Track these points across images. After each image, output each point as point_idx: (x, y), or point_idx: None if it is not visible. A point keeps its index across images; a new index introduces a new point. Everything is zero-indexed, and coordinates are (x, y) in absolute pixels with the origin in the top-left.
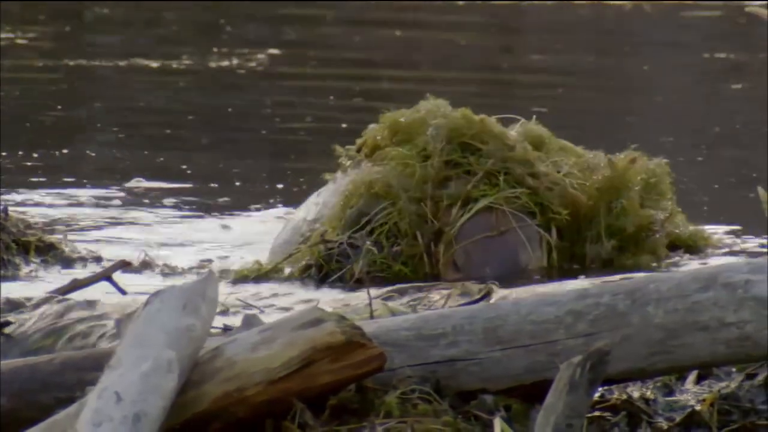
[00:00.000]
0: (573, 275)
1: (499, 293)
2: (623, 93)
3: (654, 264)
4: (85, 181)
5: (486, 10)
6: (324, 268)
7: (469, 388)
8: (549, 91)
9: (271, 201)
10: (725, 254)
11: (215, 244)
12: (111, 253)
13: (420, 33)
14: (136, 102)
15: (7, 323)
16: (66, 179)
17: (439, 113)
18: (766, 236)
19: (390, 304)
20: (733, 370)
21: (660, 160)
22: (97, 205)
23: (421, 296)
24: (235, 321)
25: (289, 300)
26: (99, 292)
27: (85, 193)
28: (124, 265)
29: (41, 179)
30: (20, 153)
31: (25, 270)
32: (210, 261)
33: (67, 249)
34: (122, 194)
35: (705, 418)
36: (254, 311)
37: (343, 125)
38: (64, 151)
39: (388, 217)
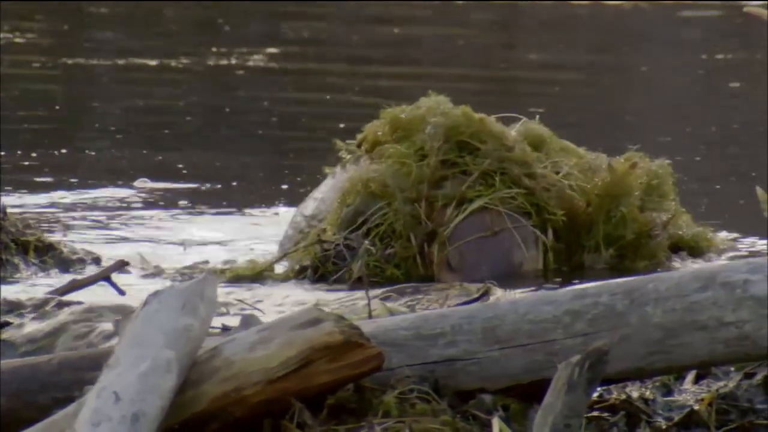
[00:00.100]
0: (570, 278)
1: (497, 293)
2: (622, 92)
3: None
4: (83, 180)
5: (486, 9)
6: (320, 269)
7: (468, 388)
8: (548, 88)
9: (271, 199)
10: (725, 255)
11: (215, 244)
12: (110, 254)
13: (418, 30)
14: (134, 101)
15: (7, 324)
16: (64, 179)
17: (440, 111)
18: (765, 236)
19: (388, 304)
20: (732, 369)
21: (662, 161)
22: (96, 205)
23: (419, 296)
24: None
25: (286, 300)
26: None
27: (84, 193)
28: (123, 266)
29: (40, 179)
30: (19, 152)
31: (23, 270)
32: (206, 261)
33: (65, 249)
34: (122, 194)
35: (703, 418)
36: (252, 311)
37: (342, 124)
38: (63, 150)
39: (384, 217)
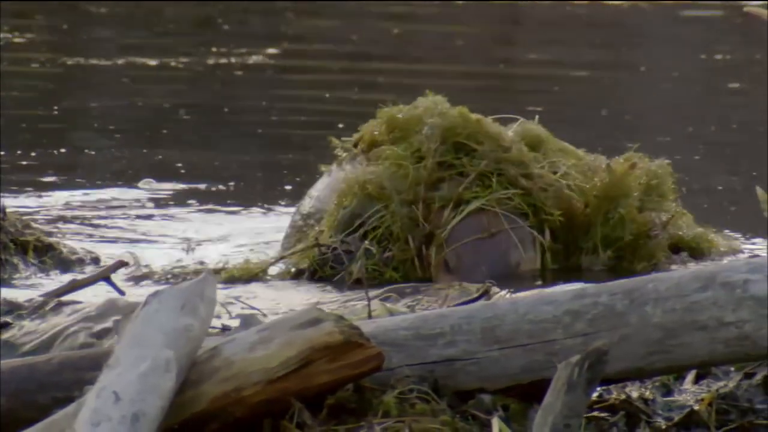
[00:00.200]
0: (568, 279)
1: (498, 293)
2: (622, 92)
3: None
4: (83, 180)
5: (486, 8)
6: (318, 272)
7: (467, 388)
8: (547, 87)
9: (271, 199)
10: (726, 256)
11: (214, 244)
12: (109, 254)
13: (419, 29)
14: (134, 100)
15: (7, 324)
16: (64, 178)
17: (437, 111)
18: (765, 236)
19: (388, 304)
20: (732, 369)
21: (662, 161)
22: (96, 205)
23: (418, 297)
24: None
25: (286, 301)
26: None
27: (83, 193)
28: (122, 265)
29: (39, 178)
30: (18, 152)
31: (23, 270)
32: (202, 262)
33: (65, 249)
34: (121, 193)
35: (703, 418)
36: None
37: (342, 122)
38: (62, 150)
39: (381, 220)
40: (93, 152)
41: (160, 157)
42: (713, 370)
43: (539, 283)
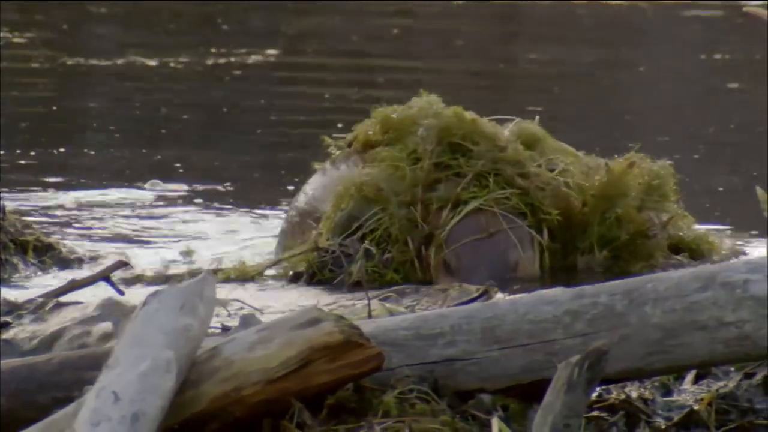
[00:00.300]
0: (565, 279)
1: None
2: (622, 92)
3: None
4: (83, 180)
5: (485, 7)
6: (316, 275)
7: (467, 388)
8: (547, 87)
9: (271, 199)
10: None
11: (213, 244)
12: (109, 254)
13: (418, 27)
14: (133, 100)
15: (7, 324)
16: (64, 178)
17: (431, 111)
18: (765, 236)
19: (388, 304)
20: (732, 369)
21: (664, 162)
22: (95, 205)
23: (418, 297)
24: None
25: (285, 302)
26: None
27: (83, 193)
28: (122, 265)
29: (39, 178)
30: (18, 152)
31: (23, 270)
32: (204, 262)
33: (64, 249)
34: (121, 193)
35: (703, 418)
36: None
37: (342, 121)
38: (62, 149)
39: (379, 222)
40: (93, 152)
41: (160, 156)
42: (713, 370)
43: (538, 283)
